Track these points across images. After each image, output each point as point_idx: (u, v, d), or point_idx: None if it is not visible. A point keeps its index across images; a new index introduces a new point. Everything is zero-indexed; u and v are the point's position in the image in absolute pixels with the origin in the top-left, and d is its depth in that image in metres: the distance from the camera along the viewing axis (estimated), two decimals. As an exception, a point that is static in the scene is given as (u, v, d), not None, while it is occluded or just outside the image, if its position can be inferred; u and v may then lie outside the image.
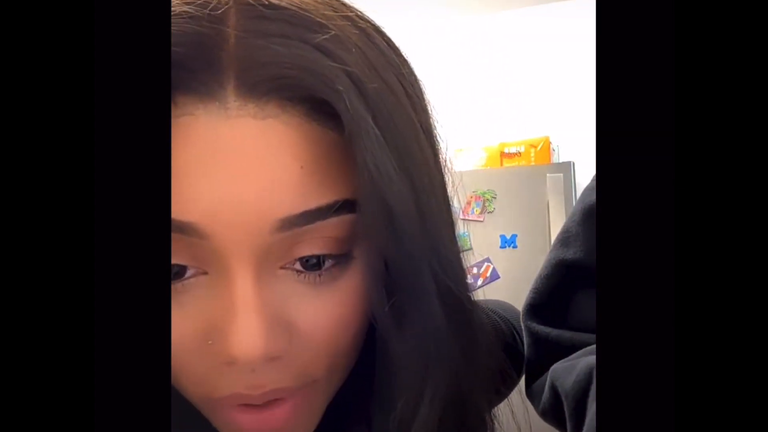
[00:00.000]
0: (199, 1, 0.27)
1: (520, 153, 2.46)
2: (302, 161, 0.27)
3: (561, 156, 2.60)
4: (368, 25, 0.31)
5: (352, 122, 0.27)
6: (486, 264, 2.21)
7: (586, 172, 2.50)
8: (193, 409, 0.32)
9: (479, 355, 0.34)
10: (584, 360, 0.43)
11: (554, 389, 0.44)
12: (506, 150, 2.48)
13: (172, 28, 0.26)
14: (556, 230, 2.13)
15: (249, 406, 0.29)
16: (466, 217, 2.26)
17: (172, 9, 0.27)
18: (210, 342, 0.28)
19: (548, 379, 0.45)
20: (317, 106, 0.27)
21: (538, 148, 2.44)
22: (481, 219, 2.25)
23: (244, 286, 0.27)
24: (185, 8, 0.27)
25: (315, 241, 0.28)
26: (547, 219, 2.17)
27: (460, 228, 2.31)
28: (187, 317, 0.28)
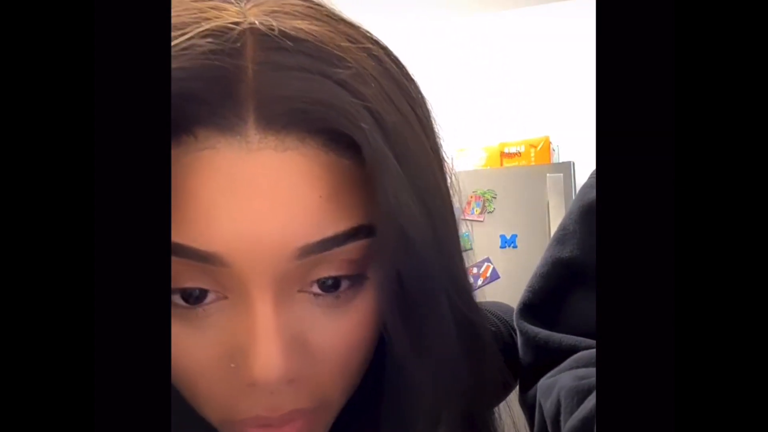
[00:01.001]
0: (215, 33, 0.27)
1: (520, 153, 2.46)
2: (320, 191, 0.28)
3: (561, 156, 2.60)
4: (381, 51, 0.32)
5: (374, 157, 0.28)
6: (486, 264, 2.21)
7: (586, 172, 2.49)
8: (193, 411, 0.32)
9: (489, 374, 0.35)
10: (562, 378, 0.42)
11: (540, 409, 0.44)
12: (506, 150, 2.48)
13: (190, 61, 0.26)
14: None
15: (266, 426, 0.30)
16: (466, 217, 2.26)
17: (189, 42, 0.27)
18: (233, 365, 0.28)
19: (537, 397, 0.45)
20: (335, 137, 0.28)
21: (538, 148, 2.44)
22: (481, 219, 2.25)
23: (263, 310, 0.28)
24: (202, 41, 0.27)
25: (332, 264, 0.29)
26: (547, 219, 2.17)
27: (461, 228, 2.29)
28: (208, 341, 0.29)
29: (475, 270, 2.20)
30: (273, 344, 0.28)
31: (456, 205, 0.35)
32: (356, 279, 0.30)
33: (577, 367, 0.43)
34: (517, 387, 0.49)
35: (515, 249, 2.20)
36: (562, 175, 2.18)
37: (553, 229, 2.10)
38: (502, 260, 2.20)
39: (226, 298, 0.29)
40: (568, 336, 0.46)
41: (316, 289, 0.30)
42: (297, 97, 0.27)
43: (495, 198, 2.25)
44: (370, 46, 0.31)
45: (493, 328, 0.39)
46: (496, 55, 2.91)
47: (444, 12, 2.90)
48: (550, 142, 2.47)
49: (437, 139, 0.34)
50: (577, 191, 0.55)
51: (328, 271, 0.29)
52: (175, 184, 0.27)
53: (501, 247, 2.21)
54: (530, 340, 0.47)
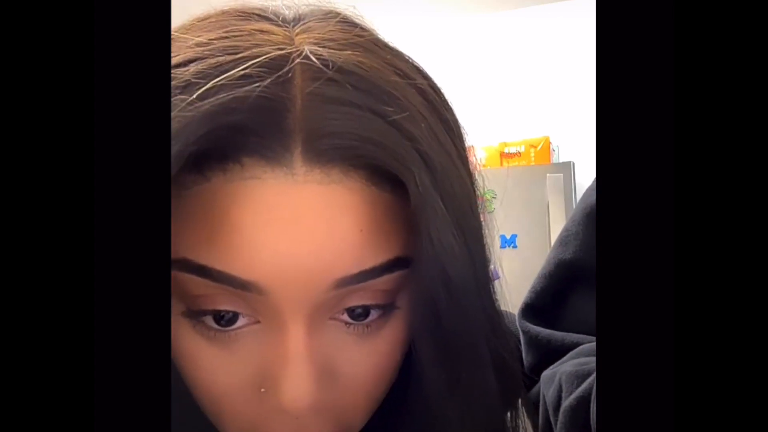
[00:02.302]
0: (263, 62, 0.27)
1: (520, 153, 2.46)
2: (362, 225, 0.28)
3: (561, 156, 2.60)
4: (425, 83, 0.32)
5: (421, 200, 0.28)
6: (486, 264, 2.21)
7: (586, 172, 2.50)
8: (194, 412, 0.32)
9: (520, 409, 0.36)
10: (563, 367, 0.43)
11: (543, 400, 0.44)
12: (506, 150, 2.48)
13: (243, 92, 0.26)
14: (556, 230, 2.13)
15: None
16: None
17: (243, 72, 0.27)
18: (263, 390, 0.29)
19: (540, 390, 0.45)
20: (378, 172, 0.28)
21: (538, 148, 2.44)
22: (481, 219, 2.25)
23: (296, 337, 0.28)
24: (250, 71, 0.27)
25: (365, 294, 0.29)
26: (547, 219, 2.17)
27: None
28: (238, 364, 0.29)
29: (475, 270, 2.20)
30: (304, 372, 0.28)
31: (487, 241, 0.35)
32: (386, 308, 0.30)
33: (579, 356, 0.43)
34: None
35: (515, 249, 2.20)
36: (562, 175, 2.18)
37: (553, 229, 2.11)
38: (502, 260, 2.19)
39: (258, 322, 0.29)
40: (570, 334, 0.46)
41: (346, 317, 0.30)
42: (346, 133, 0.27)
43: (495, 198, 2.25)
44: (416, 79, 0.31)
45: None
46: (496, 55, 2.91)
47: (444, 12, 2.90)
48: (550, 142, 2.47)
49: (472, 170, 0.35)
50: (579, 192, 0.55)
51: (360, 300, 0.29)
52: (218, 211, 0.27)
53: (501, 247, 2.21)
54: (532, 340, 0.47)
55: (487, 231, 0.35)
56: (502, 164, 2.46)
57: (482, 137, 2.69)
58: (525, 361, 0.49)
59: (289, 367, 0.28)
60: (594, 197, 0.49)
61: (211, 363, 0.29)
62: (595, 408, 0.37)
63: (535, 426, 0.47)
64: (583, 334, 0.46)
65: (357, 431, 0.32)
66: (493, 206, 2.25)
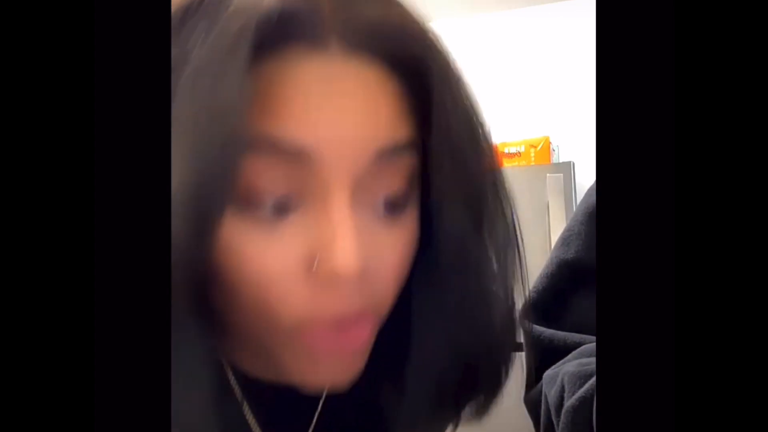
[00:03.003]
0: None
1: (520, 153, 2.46)
2: (393, 105, 0.32)
3: (561, 156, 2.59)
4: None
5: (439, 87, 0.33)
6: (486, 264, 2.20)
7: (586, 172, 2.50)
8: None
9: (501, 317, 0.39)
10: (566, 366, 0.42)
11: (546, 400, 0.44)
12: (506, 150, 2.48)
13: None
14: (556, 230, 2.13)
15: (338, 330, 0.33)
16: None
17: None
18: (314, 268, 0.31)
19: (542, 389, 0.45)
20: (403, 61, 0.32)
21: (538, 148, 2.44)
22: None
23: (342, 209, 0.31)
24: None
25: (393, 180, 0.33)
26: (547, 219, 2.16)
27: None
28: (288, 246, 0.31)
29: (475, 270, 2.19)
30: (352, 239, 0.31)
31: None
32: (406, 202, 0.34)
33: (581, 357, 0.43)
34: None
35: (515, 249, 2.19)
36: (562, 175, 2.18)
37: (553, 229, 2.10)
38: (503, 260, 2.19)
39: (304, 207, 0.32)
40: (573, 334, 0.46)
41: (378, 205, 0.33)
42: (377, 21, 0.32)
43: (495, 198, 2.25)
44: None
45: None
46: (496, 55, 2.91)
47: (444, 12, 2.90)
48: (550, 142, 2.47)
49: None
50: (579, 192, 0.55)
51: (389, 188, 0.33)
52: (270, 89, 0.30)
53: (501, 247, 2.21)
54: (535, 339, 0.47)
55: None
56: (502, 164, 2.45)
57: (482, 137, 2.68)
58: (526, 361, 0.49)
59: (338, 236, 0.30)
60: (595, 197, 0.49)
61: (263, 251, 0.31)
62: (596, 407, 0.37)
63: (537, 426, 0.47)
64: (586, 333, 0.46)
65: (383, 318, 0.35)
66: (493, 206, 2.24)
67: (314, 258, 0.31)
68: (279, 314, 0.32)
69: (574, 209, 0.63)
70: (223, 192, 0.29)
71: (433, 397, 0.37)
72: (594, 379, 0.39)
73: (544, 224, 2.17)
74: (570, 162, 2.28)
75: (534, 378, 0.48)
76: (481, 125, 0.37)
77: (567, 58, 2.80)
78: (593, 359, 0.42)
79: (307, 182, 0.31)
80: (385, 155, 0.32)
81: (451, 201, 0.34)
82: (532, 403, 0.48)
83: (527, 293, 0.42)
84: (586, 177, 2.49)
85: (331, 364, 0.33)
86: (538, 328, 0.48)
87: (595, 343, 0.44)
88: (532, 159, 2.43)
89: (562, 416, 0.40)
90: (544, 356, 0.47)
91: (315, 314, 0.32)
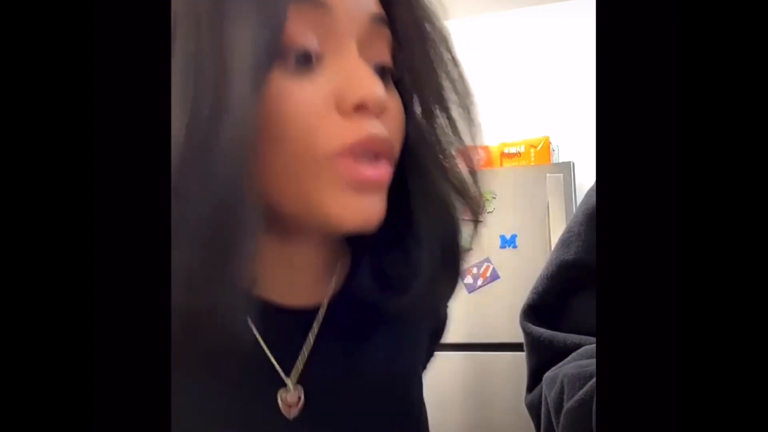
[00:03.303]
0: None
1: (520, 153, 2.46)
2: None
3: (561, 156, 2.59)
4: None
5: None
6: (486, 264, 2.21)
7: (586, 172, 2.50)
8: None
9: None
10: (565, 368, 0.42)
11: (546, 402, 0.44)
12: (506, 150, 2.48)
13: None
14: (556, 230, 2.13)
15: (366, 155, 0.38)
16: (466, 217, 2.25)
17: None
18: (343, 102, 0.37)
19: (542, 391, 0.45)
20: None
21: (538, 148, 2.44)
22: (481, 219, 2.25)
23: (357, 56, 0.37)
24: None
25: (381, 49, 0.40)
26: (547, 219, 2.16)
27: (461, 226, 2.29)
28: (319, 89, 0.37)
29: (475, 270, 2.20)
30: (371, 74, 0.37)
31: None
32: (389, 78, 0.40)
33: (581, 358, 0.43)
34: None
35: (515, 249, 2.19)
36: (562, 175, 2.18)
37: (553, 229, 2.10)
38: (502, 260, 2.19)
39: (325, 58, 0.37)
40: (573, 335, 0.46)
41: (374, 69, 0.39)
42: None
43: (495, 198, 2.25)
44: None
45: None
46: (496, 55, 2.91)
47: (444, 12, 2.90)
48: (550, 142, 2.47)
49: None
50: (579, 192, 0.55)
51: (379, 55, 0.40)
52: None
53: (501, 247, 2.21)
54: (535, 341, 0.47)
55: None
56: (502, 164, 2.46)
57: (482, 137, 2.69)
58: (527, 363, 0.49)
59: (359, 72, 0.37)
60: (595, 198, 0.49)
61: (298, 93, 0.36)
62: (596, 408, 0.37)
63: (538, 428, 0.47)
64: (586, 335, 0.46)
65: (393, 168, 0.40)
66: (493, 206, 2.24)
67: (341, 97, 0.37)
68: (317, 146, 0.37)
69: (574, 209, 0.63)
70: (275, 45, 0.35)
71: (438, 259, 0.43)
72: (593, 380, 0.39)
73: (544, 224, 2.17)
74: (570, 162, 2.28)
75: (534, 380, 0.48)
76: (437, 18, 0.44)
77: (567, 58, 2.80)
78: (593, 360, 0.42)
79: (328, 33, 0.37)
80: (375, 21, 0.39)
81: (416, 73, 0.41)
82: (533, 405, 0.47)
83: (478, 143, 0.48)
84: (586, 177, 2.49)
85: (360, 199, 0.38)
86: (538, 330, 0.48)
87: (594, 345, 0.44)
88: (532, 159, 2.43)
89: (562, 418, 0.40)
90: (545, 358, 0.47)
91: (347, 140, 0.37)
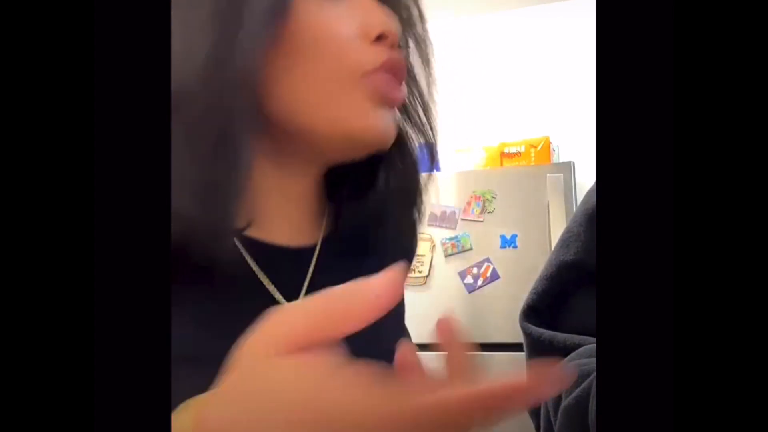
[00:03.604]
0: None
1: (520, 153, 2.46)
2: None
3: (561, 156, 2.59)
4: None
5: None
6: (486, 264, 2.21)
7: (586, 172, 2.50)
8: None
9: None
10: (564, 368, 0.42)
11: (545, 403, 0.44)
12: (506, 150, 2.48)
13: None
14: (556, 230, 2.13)
15: (390, 72, 0.42)
16: (466, 217, 2.26)
17: None
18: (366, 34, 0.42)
19: None
20: None
21: (538, 148, 2.44)
22: (481, 219, 2.25)
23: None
24: None
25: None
26: (547, 219, 2.16)
27: (461, 228, 2.32)
28: (346, 19, 0.41)
29: (475, 270, 2.20)
30: (385, 8, 0.42)
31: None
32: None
33: (581, 358, 0.43)
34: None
35: (515, 249, 2.19)
36: (562, 175, 2.18)
37: (553, 229, 2.10)
38: (502, 260, 2.19)
39: None
40: (572, 336, 0.46)
41: None
42: None
43: (495, 198, 2.25)
44: None
45: None
46: (496, 55, 2.91)
47: (444, 12, 2.90)
48: (550, 142, 2.47)
49: None
50: (579, 192, 0.55)
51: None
52: None
53: (501, 247, 2.21)
54: (535, 342, 0.47)
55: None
56: (502, 164, 2.46)
57: (482, 137, 2.69)
58: (527, 363, 0.49)
59: (375, 6, 0.42)
60: (595, 199, 0.49)
61: (326, 16, 0.40)
62: (592, 406, 0.37)
63: (537, 429, 0.47)
64: (585, 335, 0.46)
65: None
66: (493, 206, 2.25)
67: (365, 26, 0.41)
68: (351, 64, 0.41)
69: (574, 209, 0.63)
70: None
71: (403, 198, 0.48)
72: (590, 378, 0.39)
73: (544, 224, 2.17)
74: (570, 162, 2.28)
75: None
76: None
77: (567, 58, 2.80)
78: (592, 359, 0.42)
79: None
80: None
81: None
82: (533, 408, 0.47)
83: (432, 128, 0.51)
84: (586, 177, 2.49)
85: (384, 115, 0.42)
86: (538, 330, 0.48)
87: (594, 345, 0.44)
88: (532, 159, 2.43)
89: (559, 415, 0.40)
90: (544, 357, 0.47)
91: (380, 59, 0.41)
